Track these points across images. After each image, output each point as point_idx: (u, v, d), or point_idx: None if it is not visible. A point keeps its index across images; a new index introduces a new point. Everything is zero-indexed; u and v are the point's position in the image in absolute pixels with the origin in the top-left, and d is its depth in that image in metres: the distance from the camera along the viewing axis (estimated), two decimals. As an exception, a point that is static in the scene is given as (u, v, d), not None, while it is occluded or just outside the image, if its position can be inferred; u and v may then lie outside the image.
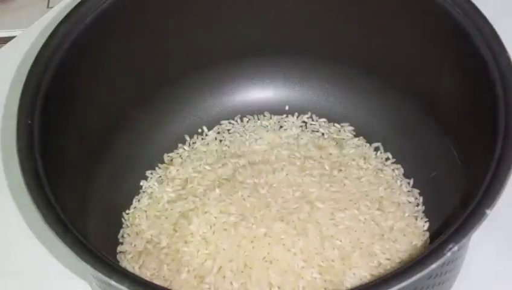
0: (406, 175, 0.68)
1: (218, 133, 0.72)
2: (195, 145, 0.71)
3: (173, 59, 0.69)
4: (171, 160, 0.71)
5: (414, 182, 0.67)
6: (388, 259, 0.61)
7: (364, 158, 0.69)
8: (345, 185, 0.65)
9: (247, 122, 0.73)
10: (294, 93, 0.74)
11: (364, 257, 0.60)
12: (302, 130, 0.72)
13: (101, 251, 0.50)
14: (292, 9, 0.68)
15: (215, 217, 0.63)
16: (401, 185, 0.67)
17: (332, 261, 0.60)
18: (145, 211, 0.67)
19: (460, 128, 0.62)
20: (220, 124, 0.73)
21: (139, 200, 0.68)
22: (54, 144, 0.57)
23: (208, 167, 0.68)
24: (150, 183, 0.69)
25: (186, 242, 0.62)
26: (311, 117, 0.73)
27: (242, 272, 0.60)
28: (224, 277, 0.60)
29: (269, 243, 0.60)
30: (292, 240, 0.60)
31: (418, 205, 0.66)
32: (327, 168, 0.67)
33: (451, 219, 0.61)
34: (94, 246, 0.50)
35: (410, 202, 0.66)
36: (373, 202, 0.64)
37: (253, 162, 0.68)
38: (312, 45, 0.70)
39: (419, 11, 0.62)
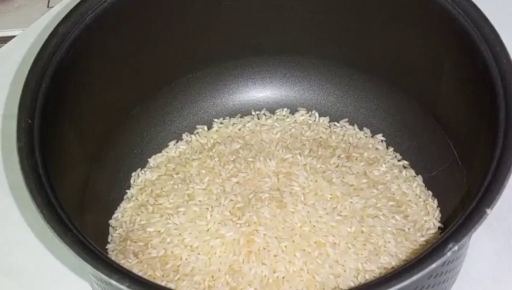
0: (406, 175, 0.68)
1: (218, 132, 0.72)
2: (195, 145, 0.71)
3: (173, 59, 0.69)
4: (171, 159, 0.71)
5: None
6: (389, 259, 0.61)
7: (365, 157, 0.69)
8: (345, 184, 0.65)
9: (248, 122, 0.73)
10: (294, 93, 0.74)
11: (365, 256, 0.60)
12: (303, 129, 0.72)
13: (100, 250, 0.50)
14: (292, 9, 0.68)
15: (213, 220, 0.63)
16: (400, 184, 0.67)
17: (332, 261, 0.60)
18: (145, 211, 0.67)
19: (461, 128, 0.62)
20: (220, 124, 0.73)
21: (139, 200, 0.68)
22: (54, 144, 0.57)
23: (208, 167, 0.68)
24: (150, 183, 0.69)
25: (182, 244, 0.62)
26: (311, 116, 0.73)
27: (241, 272, 0.60)
28: (220, 279, 0.60)
29: (267, 243, 0.61)
30: (292, 238, 0.61)
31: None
32: (328, 167, 0.67)
33: (451, 218, 0.61)
34: (94, 246, 0.50)
35: (410, 201, 0.66)
36: (373, 202, 0.64)
37: (254, 162, 0.67)
38: (312, 45, 0.70)
39: (419, 11, 0.62)
